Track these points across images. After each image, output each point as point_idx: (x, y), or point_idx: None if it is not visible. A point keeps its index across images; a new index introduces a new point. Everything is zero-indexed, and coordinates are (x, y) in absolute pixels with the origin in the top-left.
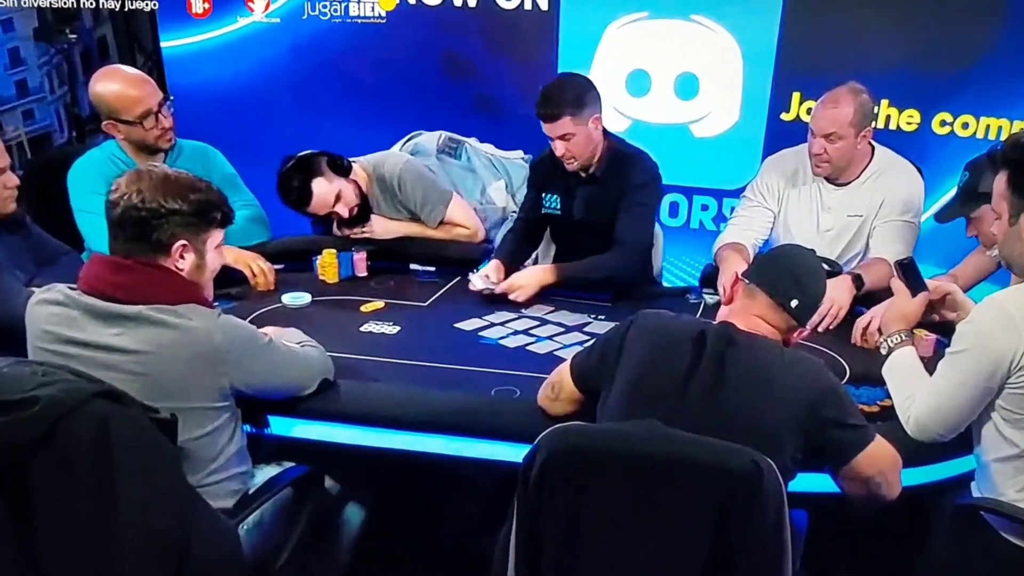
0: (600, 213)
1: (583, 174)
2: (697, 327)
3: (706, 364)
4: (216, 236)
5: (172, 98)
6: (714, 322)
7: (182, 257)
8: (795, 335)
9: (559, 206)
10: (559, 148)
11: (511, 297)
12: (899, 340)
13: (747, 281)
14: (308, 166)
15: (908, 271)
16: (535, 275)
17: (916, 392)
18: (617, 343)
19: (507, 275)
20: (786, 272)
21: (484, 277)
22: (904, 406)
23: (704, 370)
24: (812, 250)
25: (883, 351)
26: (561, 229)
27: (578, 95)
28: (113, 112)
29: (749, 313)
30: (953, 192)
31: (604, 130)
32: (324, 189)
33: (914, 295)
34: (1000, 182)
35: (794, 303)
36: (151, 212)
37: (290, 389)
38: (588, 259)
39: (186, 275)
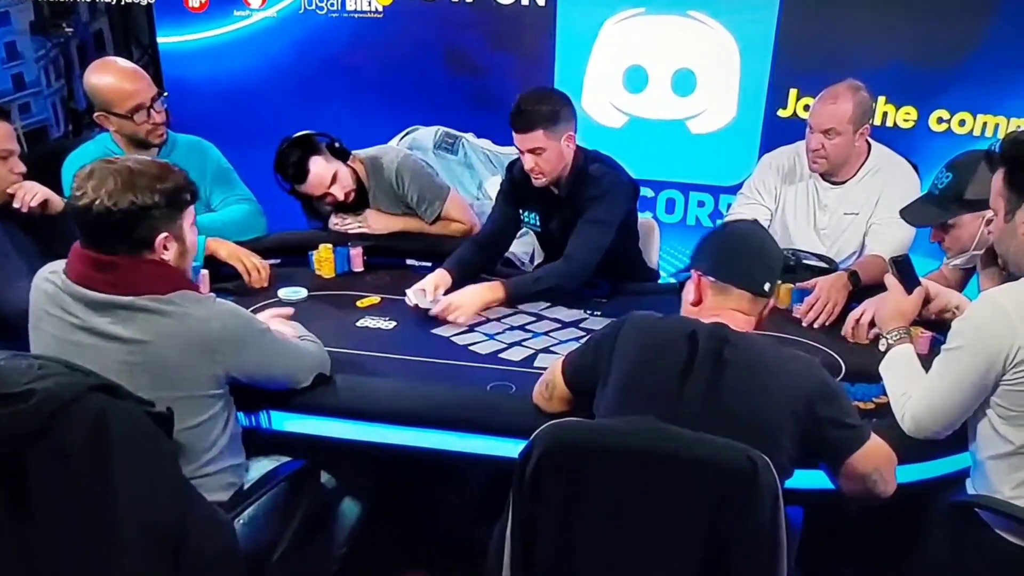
0: (571, 231)
1: (555, 191)
2: (688, 326)
3: (702, 362)
4: (189, 215)
5: (166, 93)
6: (704, 321)
7: (166, 248)
8: (768, 308)
9: (539, 223)
10: (528, 161)
11: (450, 319)
12: (897, 337)
13: (714, 279)
14: (307, 144)
15: (903, 268)
16: (476, 294)
17: (912, 389)
18: (609, 343)
19: (454, 287)
20: (752, 260)
21: (420, 291)
22: (899, 403)
23: (700, 368)
24: (752, 220)
25: (881, 348)
26: (543, 244)
27: (554, 110)
28: (105, 104)
29: (724, 308)
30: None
31: (577, 146)
32: (321, 168)
33: (909, 292)
34: (997, 179)
35: (767, 286)
36: (125, 213)
37: (285, 380)
38: (533, 272)
39: (172, 264)
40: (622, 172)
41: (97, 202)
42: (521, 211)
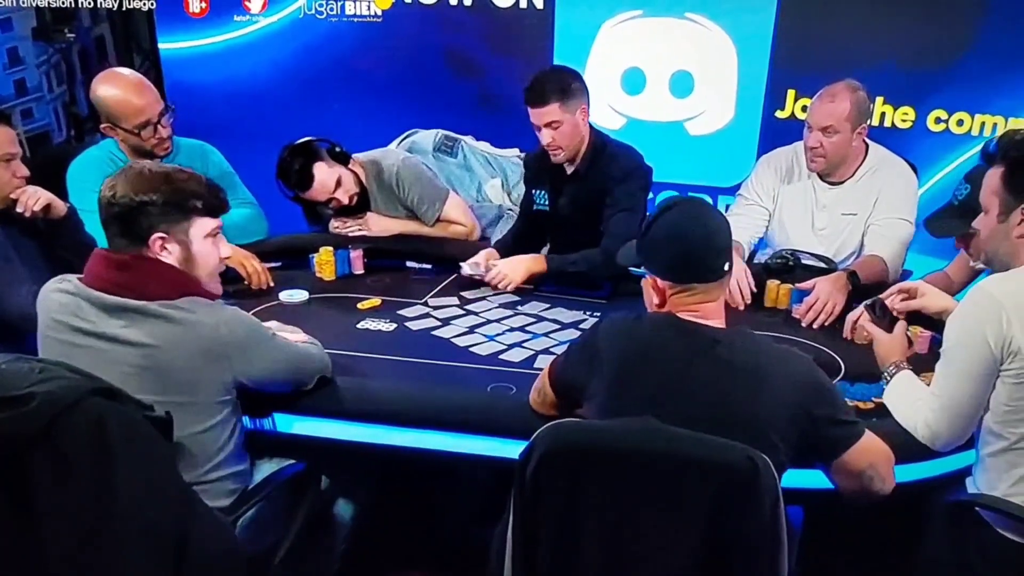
0: (584, 209)
1: (568, 169)
2: (667, 324)
3: (695, 362)
4: (201, 225)
5: (173, 107)
6: (682, 318)
7: (164, 249)
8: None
9: (547, 202)
10: (545, 136)
11: (500, 285)
12: (894, 371)
13: (672, 283)
14: (309, 150)
15: (877, 310)
16: (523, 263)
17: (921, 398)
18: (589, 350)
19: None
20: (704, 253)
21: (474, 264)
22: (910, 416)
23: (693, 368)
24: (688, 199)
25: (884, 384)
26: (551, 225)
27: (566, 83)
28: (112, 117)
29: (697, 304)
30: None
31: (591, 126)
32: (325, 174)
33: (890, 330)
34: (994, 177)
35: (726, 266)
36: (123, 207)
37: (290, 383)
38: (576, 254)
39: (180, 268)
40: (640, 155)
41: (105, 194)
42: (533, 191)
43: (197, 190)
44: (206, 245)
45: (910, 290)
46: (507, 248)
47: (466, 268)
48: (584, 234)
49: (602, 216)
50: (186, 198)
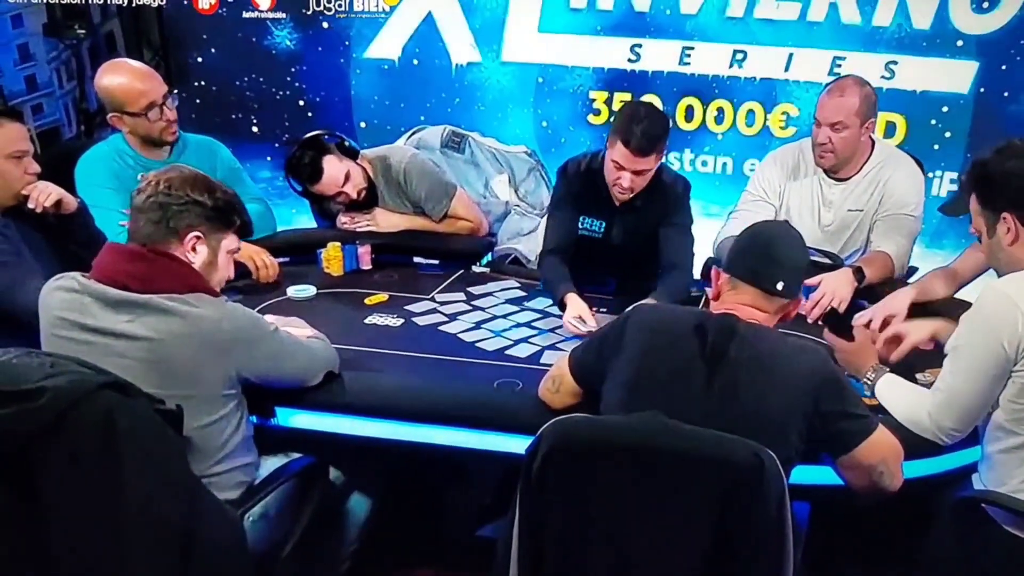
0: (639, 239)
1: (619, 199)
2: (696, 318)
3: (709, 355)
4: (231, 241)
5: (176, 91)
6: (714, 312)
7: (194, 249)
8: (793, 308)
9: (601, 230)
10: (625, 180)
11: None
12: (874, 376)
13: (729, 277)
14: (319, 144)
15: (832, 323)
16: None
17: (920, 392)
18: (615, 338)
19: None
20: (763, 257)
21: (580, 320)
22: (912, 410)
23: (708, 361)
24: (784, 222)
25: (867, 392)
26: (597, 251)
27: (667, 130)
28: (118, 105)
29: (739, 304)
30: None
31: None
32: (335, 168)
33: (850, 339)
34: (973, 203)
35: (780, 285)
36: (174, 198)
37: (296, 379)
38: (663, 293)
39: (197, 268)
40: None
41: (154, 184)
42: (580, 217)
43: (241, 208)
44: (225, 260)
45: (895, 335)
46: (574, 282)
47: (575, 328)
48: (634, 263)
49: (652, 245)
50: (232, 212)
